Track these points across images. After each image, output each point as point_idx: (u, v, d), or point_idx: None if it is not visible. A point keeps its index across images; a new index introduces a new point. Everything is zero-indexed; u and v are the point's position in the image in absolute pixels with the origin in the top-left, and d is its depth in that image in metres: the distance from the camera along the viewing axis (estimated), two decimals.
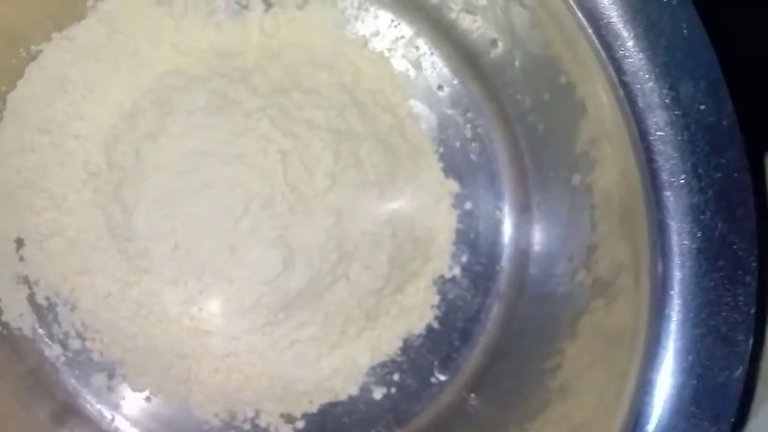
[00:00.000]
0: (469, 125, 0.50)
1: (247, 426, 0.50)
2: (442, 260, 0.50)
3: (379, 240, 0.46)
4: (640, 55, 0.30)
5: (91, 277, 0.46)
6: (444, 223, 0.50)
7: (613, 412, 0.35)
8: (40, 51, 0.47)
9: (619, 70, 0.30)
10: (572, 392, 0.43)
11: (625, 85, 0.31)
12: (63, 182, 0.47)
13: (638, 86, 0.30)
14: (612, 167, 0.40)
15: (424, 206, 0.49)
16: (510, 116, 0.50)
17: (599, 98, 0.36)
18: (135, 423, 0.50)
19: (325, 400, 0.50)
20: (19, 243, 0.48)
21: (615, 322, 0.40)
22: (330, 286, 0.46)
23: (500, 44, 0.48)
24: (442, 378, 0.51)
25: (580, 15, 0.31)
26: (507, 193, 0.51)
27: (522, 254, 0.51)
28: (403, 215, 0.48)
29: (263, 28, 0.47)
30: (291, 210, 0.44)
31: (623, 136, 0.32)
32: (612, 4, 0.30)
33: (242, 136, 0.43)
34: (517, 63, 0.48)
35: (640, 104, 0.30)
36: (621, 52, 0.30)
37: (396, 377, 0.51)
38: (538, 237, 0.50)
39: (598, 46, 0.31)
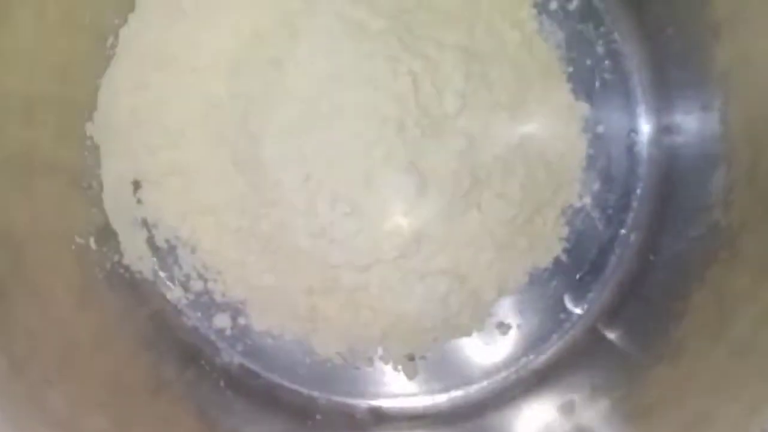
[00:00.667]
0: (601, 41, 0.47)
1: (371, 365, 0.49)
2: (572, 188, 0.48)
3: (511, 166, 0.44)
4: None
5: (214, 215, 0.45)
6: (573, 149, 0.47)
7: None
8: None
9: None
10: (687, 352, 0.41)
11: None
12: (180, 118, 0.45)
13: None
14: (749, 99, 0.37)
15: (553, 131, 0.46)
16: (646, 30, 0.46)
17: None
18: (257, 361, 0.49)
19: (452, 337, 0.48)
20: (136, 185, 0.48)
21: (735, 287, 0.39)
22: (462, 215, 0.44)
23: None
24: (576, 310, 0.49)
25: None
26: (643, 114, 0.48)
27: (658, 183, 0.48)
28: (534, 139, 0.46)
29: None
30: (423, 134, 0.41)
31: None
32: None
33: (371, 57, 0.41)
34: None
35: None
36: None
37: (525, 311, 0.49)
38: (676, 165, 0.47)
39: None
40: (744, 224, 0.40)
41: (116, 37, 0.46)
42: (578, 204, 0.48)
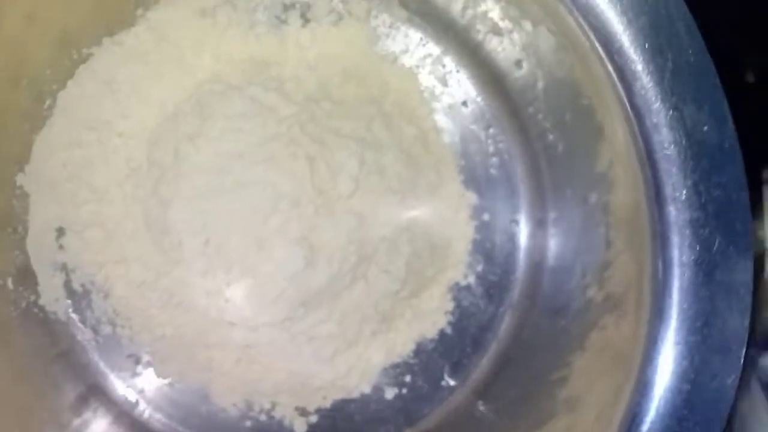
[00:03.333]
0: (490, 140, 0.53)
1: (263, 417, 0.52)
2: (458, 268, 0.52)
3: (397, 245, 0.49)
4: (648, 78, 0.32)
5: (126, 267, 0.49)
6: (461, 233, 0.52)
7: (609, 419, 0.37)
8: (91, 54, 0.50)
9: (629, 91, 0.33)
10: (577, 405, 0.44)
11: (633, 105, 0.33)
12: (106, 177, 0.50)
13: (646, 107, 0.32)
14: (625, 186, 0.42)
15: (442, 215, 0.51)
16: (530, 134, 0.52)
17: (612, 119, 0.38)
18: (157, 408, 0.53)
19: (339, 396, 0.52)
20: (60, 232, 0.51)
21: (622, 338, 0.41)
22: (349, 286, 0.48)
23: (524, 65, 0.50)
24: (452, 382, 0.53)
25: (594, 39, 0.33)
26: (524, 207, 0.53)
27: (536, 267, 0.52)
28: (421, 223, 0.50)
29: (300, 42, 0.50)
30: (316, 212, 0.46)
31: (632, 153, 0.34)
32: (624, 30, 0.32)
33: (274, 140, 0.46)
34: (540, 84, 0.50)
35: (647, 124, 0.32)
36: (630, 75, 0.32)
37: (407, 379, 0.53)
38: (552, 251, 0.52)
39: (610, 68, 0.33)
40: (628, 288, 0.42)
41: (53, 99, 0.50)
42: (464, 282, 0.53)
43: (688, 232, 0.32)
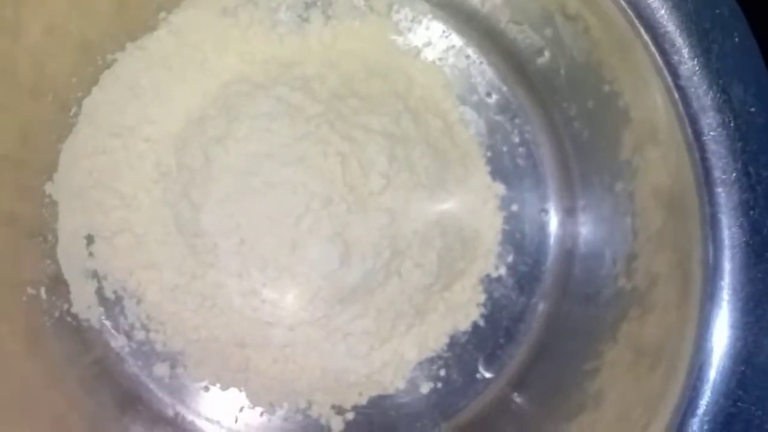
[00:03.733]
0: (516, 131, 0.53)
1: (300, 416, 0.52)
2: (488, 260, 0.52)
3: (429, 239, 0.49)
4: (695, 61, 0.32)
5: (157, 271, 0.49)
6: (490, 224, 0.52)
7: (642, 414, 0.37)
8: (115, 60, 0.50)
9: (675, 75, 0.33)
10: (607, 398, 0.44)
11: (680, 88, 0.33)
12: (133, 182, 0.50)
13: (692, 90, 0.32)
14: (656, 174, 0.42)
15: (471, 208, 0.51)
16: (556, 122, 0.52)
17: (649, 104, 0.38)
18: (194, 411, 0.53)
19: (374, 393, 0.52)
20: (89, 239, 0.51)
21: (652, 334, 0.42)
22: (383, 282, 0.48)
23: (546, 53, 0.50)
24: (487, 375, 0.53)
25: (638, 25, 0.33)
26: (552, 196, 0.53)
27: (567, 256, 0.52)
28: (451, 216, 0.50)
29: (322, 39, 0.50)
30: (348, 209, 0.46)
31: (677, 137, 0.34)
32: (669, 15, 0.32)
33: (303, 139, 0.46)
34: (562, 71, 0.50)
35: (695, 106, 0.32)
36: (676, 59, 0.32)
37: (442, 373, 0.53)
38: (582, 240, 0.52)
39: (656, 53, 0.33)
40: (652, 284, 0.43)
41: (79, 106, 0.50)
42: (495, 274, 0.53)
43: (738, 213, 0.32)
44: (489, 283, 0.53)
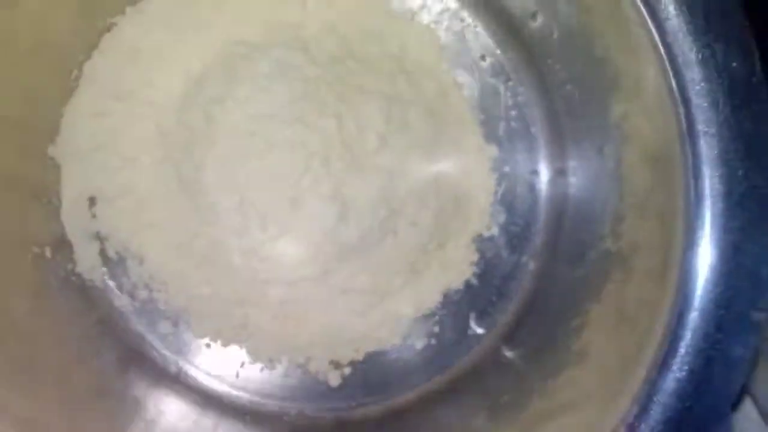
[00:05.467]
0: (509, 93, 0.54)
1: (299, 371, 0.54)
2: (482, 220, 0.54)
3: (424, 198, 0.50)
4: (680, 18, 0.33)
5: (160, 231, 0.51)
6: (483, 185, 0.54)
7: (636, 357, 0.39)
8: (114, 23, 0.51)
9: (661, 31, 0.34)
10: (591, 353, 0.46)
11: (665, 44, 0.34)
12: (134, 144, 0.51)
13: (677, 45, 0.34)
14: (643, 135, 0.44)
15: (465, 169, 0.53)
16: (548, 85, 0.53)
17: (636, 63, 0.39)
18: (195, 366, 0.54)
19: (371, 348, 0.54)
20: (92, 201, 0.52)
21: (633, 297, 0.43)
22: (379, 240, 0.50)
23: (539, 17, 0.51)
24: (479, 331, 0.55)
25: None
26: (543, 158, 0.54)
27: (557, 216, 0.54)
28: (446, 176, 0.52)
29: (320, 1, 0.51)
30: (346, 168, 0.47)
31: (662, 92, 0.35)
32: None
33: (301, 100, 0.47)
34: (555, 35, 0.51)
35: (679, 62, 0.34)
36: (663, 15, 0.34)
37: (436, 329, 0.54)
38: (571, 201, 0.53)
39: (643, 9, 0.34)
40: (635, 248, 0.45)
41: (80, 70, 0.51)
42: (487, 234, 0.54)
43: (719, 164, 0.33)
44: (481, 242, 0.54)
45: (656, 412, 0.35)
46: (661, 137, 0.37)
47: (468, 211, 0.53)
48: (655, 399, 0.35)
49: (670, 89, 0.34)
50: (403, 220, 0.50)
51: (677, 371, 0.35)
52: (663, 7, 0.33)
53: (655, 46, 0.34)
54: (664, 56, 0.34)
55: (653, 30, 0.34)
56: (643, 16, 0.34)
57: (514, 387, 0.52)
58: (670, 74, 0.34)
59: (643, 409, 0.35)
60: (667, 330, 0.36)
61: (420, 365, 0.55)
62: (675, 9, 0.33)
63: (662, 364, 0.36)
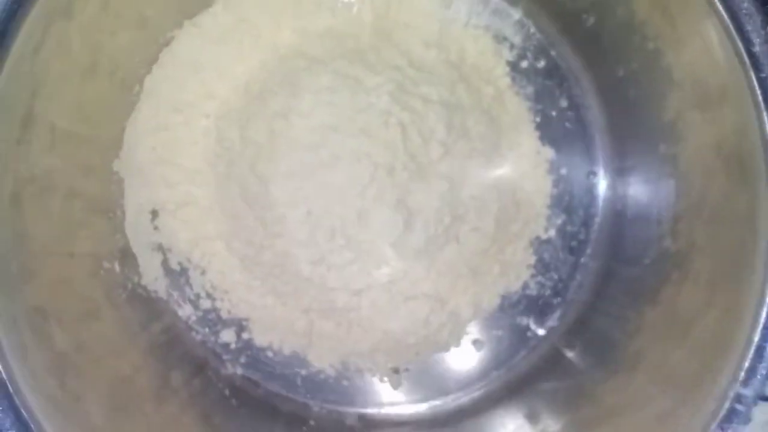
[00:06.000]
0: (564, 95, 0.54)
1: (358, 377, 0.55)
2: (539, 222, 0.54)
3: (486, 204, 0.51)
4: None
5: (223, 242, 0.51)
6: (540, 188, 0.54)
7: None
8: (173, 37, 0.51)
9: (748, 42, 0.34)
10: (645, 359, 0.46)
11: (751, 54, 0.34)
12: (195, 157, 0.51)
13: (764, 56, 0.33)
14: (704, 135, 0.44)
15: (523, 172, 0.53)
16: (603, 85, 0.53)
17: (705, 65, 0.39)
18: (258, 373, 0.55)
19: (431, 351, 0.54)
20: (154, 214, 0.53)
21: (688, 301, 0.44)
22: (443, 246, 0.50)
23: (591, 15, 0.51)
24: (539, 332, 0.55)
25: None
26: (600, 158, 0.54)
27: (614, 217, 0.54)
28: (505, 181, 0.52)
29: (375, 11, 0.51)
30: (410, 178, 0.48)
31: (743, 97, 0.35)
32: None
33: (365, 111, 0.47)
34: (607, 32, 0.51)
35: (765, 70, 0.33)
36: (750, 27, 0.33)
37: (495, 331, 0.55)
38: (629, 201, 0.53)
39: (729, 22, 0.34)
40: (692, 247, 0.45)
41: (141, 84, 0.52)
42: (544, 236, 0.55)
43: None
44: (539, 244, 0.55)
45: None
46: (740, 142, 0.37)
47: (527, 214, 0.53)
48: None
49: (753, 95, 0.34)
50: (465, 226, 0.50)
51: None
52: (750, 16, 0.33)
53: (739, 54, 0.34)
54: (749, 65, 0.34)
55: (738, 41, 0.34)
56: (728, 28, 0.34)
57: (571, 387, 0.53)
58: (754, 82, 0.34)
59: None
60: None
61: (479, 367, 0.56)
62: (763, 20, 0.33)
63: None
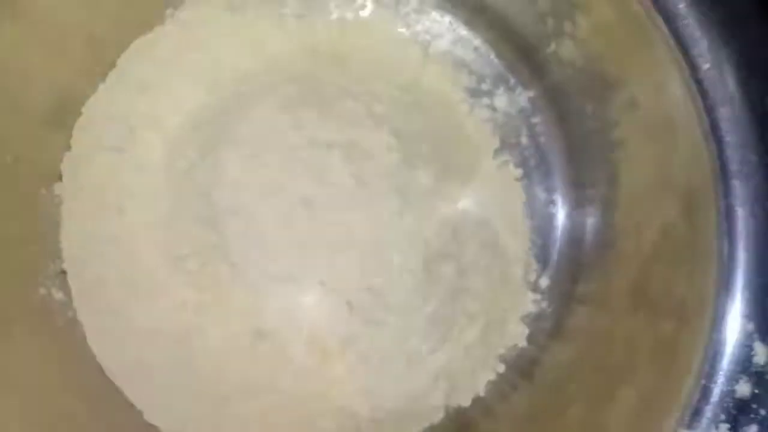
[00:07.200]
0: (525, 124, 0.53)
1: None
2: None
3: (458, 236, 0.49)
4: (713, 54, 0.32)
5: None
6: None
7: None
8: (121, 57, 0.50)
9: (693, 68, 0.33)
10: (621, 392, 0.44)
11: (698, 81, 0.33)
12: (141, 181, 0.49)
13: (710, 82, 0.33)
14: (666, 166, 0.43)
15: (487, 203, 0.51)
16: (566, 113, 0.52)
17: (661, 97, 0.38)
18: None
19: None
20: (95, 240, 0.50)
21: (665, 331, 0.41)
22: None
23: (553, 44, 0.50)
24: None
25: (657, 16, 0.33)
26: (560, 187, 0.53)
27: (575, 245, 0.52)
28: (473, 214, 0.50)
29: (330, 34, 0.50)
30: (366, 216, 0.46)
31: (693, 129, 0.34)
32: (688, 7, 0.32)
33: (312, 138, 0.46)
34: (570, 62, 0.50)
35: (712, 97, 0.33)
36: (696, 52, 0.33)
37: None
38: (589, 230, 0.52)
39: (675, 46, 0.33)
40: (664, 280, 0.42)
41: (85, 104, 0.50)
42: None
43: (754, 203, 0.32)
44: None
45: None
46: (691, 174, 0.36)
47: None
48: None
49: (702, 126, 0.33)
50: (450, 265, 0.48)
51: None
52: (696, 42, 0.32)
53: (686, 83, 0.33)
54: (697, 93, 0.33)
55: (685, 67, 0.33)
56: (675, 53, 0.33)
57: None
58: (703, 112, 0.33)
59: None
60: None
61: None
62: (708, 46, 0.32)
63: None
